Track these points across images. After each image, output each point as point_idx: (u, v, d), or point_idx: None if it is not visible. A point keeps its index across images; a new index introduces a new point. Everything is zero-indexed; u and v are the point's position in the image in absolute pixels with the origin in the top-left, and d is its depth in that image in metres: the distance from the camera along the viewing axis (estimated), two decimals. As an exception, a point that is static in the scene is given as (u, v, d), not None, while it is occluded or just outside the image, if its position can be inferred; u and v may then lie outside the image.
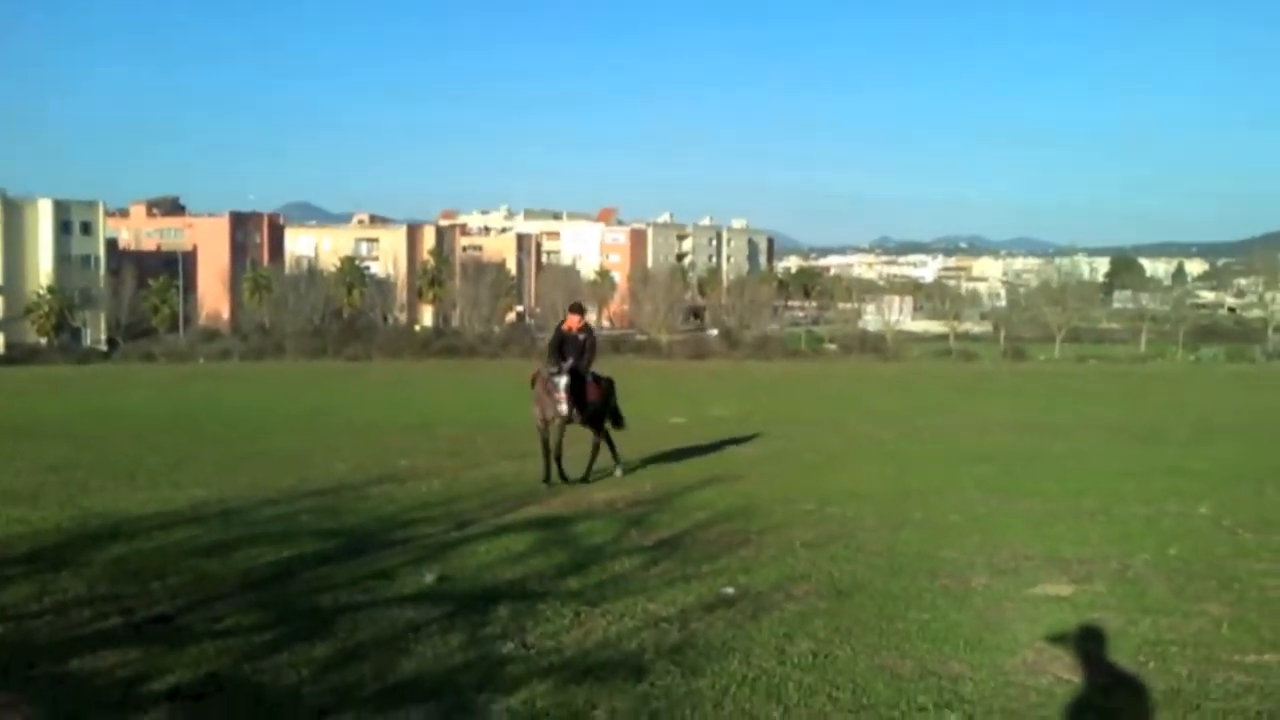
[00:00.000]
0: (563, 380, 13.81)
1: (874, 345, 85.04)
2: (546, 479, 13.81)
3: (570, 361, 13.97)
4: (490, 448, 18.66)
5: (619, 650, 6.50)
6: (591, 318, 15.22)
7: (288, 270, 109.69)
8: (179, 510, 11.46)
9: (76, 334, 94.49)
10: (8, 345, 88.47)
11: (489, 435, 21.11)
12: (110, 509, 11.47)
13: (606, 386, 15.09)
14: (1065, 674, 6.16)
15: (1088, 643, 6.71)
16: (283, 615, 7.20)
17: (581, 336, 14.19)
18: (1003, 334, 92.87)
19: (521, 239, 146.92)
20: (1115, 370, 67.31)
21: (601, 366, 15.58)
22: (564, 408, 13.86)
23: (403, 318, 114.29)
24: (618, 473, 14.71)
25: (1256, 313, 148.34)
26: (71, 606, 7.35)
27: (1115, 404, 33.83)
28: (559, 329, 14.44)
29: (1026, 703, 5.74)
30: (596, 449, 14.88)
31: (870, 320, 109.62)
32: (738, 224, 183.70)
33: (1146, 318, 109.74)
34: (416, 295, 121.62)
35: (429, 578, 8.27)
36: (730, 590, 8.01)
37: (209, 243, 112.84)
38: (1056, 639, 6.78)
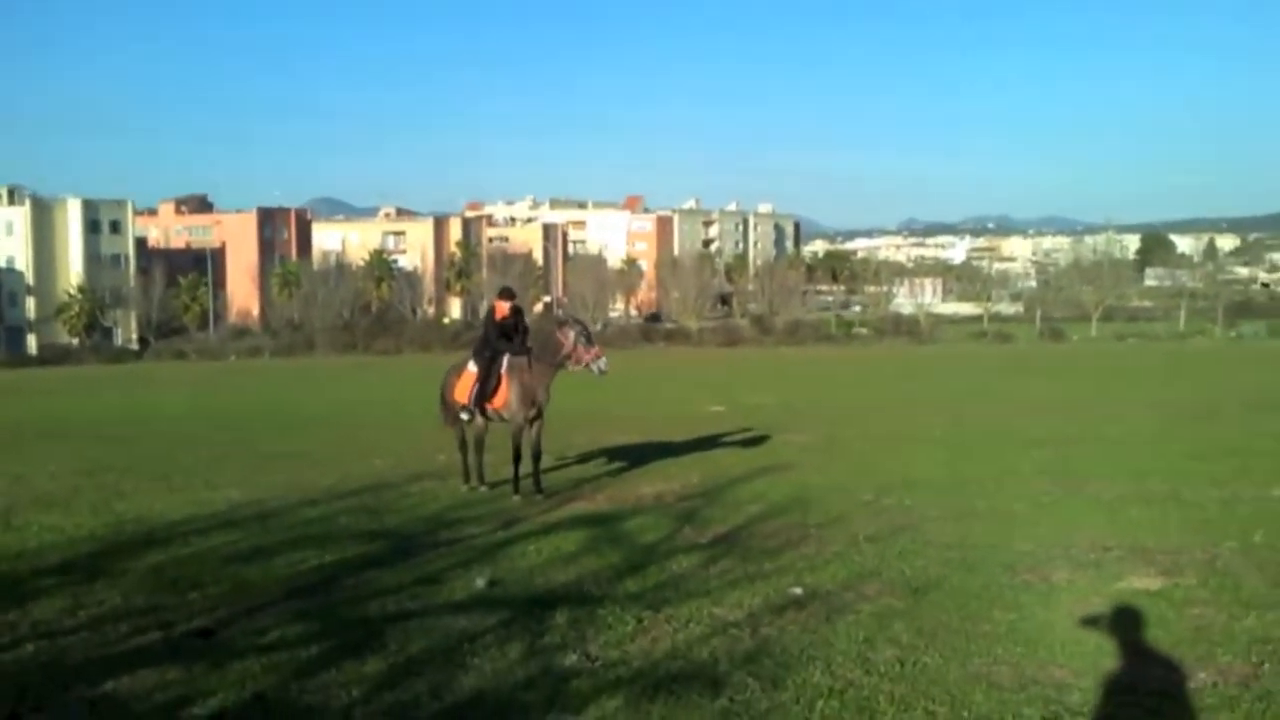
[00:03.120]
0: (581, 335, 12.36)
1: (908, 329, 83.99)
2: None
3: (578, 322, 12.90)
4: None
5: (690, 660, 6.07)
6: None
7: (316, 265, 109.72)
8: (215, 513, 11.13)
9: (108, 333, 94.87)
10: (40, 346, 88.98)
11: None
12: (145, 513, 11.15)
13: None
14: (1178, 679, 5.68)
15: (1195, 645, 6.23)
16: (330, 627, 6.80)
17: (513, 321, 12.79)
18: (1038, 314, 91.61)
19: (548, 229, 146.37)
20: (1156, 349, 66.31)
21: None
22: (604, 362, 12.44)
23: (430, 310, 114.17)
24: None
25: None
26: (107, 620, 6.99)
27: (1162, 383, 33.09)
28: (492, 316, 12.87)
29: (1142, 710, 5.27)
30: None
31: (902, 303, 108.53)
32: (763, 209, 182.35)
33: (1185, 295, 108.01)
34: (444, 288, 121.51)
35: (480, 582, 7.87)
36: (798, 590, 7.56)
37: (237, 239, 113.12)
38: (1157, 638, 6.31)
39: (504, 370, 12.43)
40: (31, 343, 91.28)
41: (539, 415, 12.55)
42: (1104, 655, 6.02)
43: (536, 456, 12.51)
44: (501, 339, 12.53)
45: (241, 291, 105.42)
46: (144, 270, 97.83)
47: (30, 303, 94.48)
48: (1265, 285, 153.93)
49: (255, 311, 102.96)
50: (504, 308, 12.77)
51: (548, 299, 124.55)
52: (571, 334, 12.47)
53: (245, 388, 41.19)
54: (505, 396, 12.42)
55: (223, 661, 6.07)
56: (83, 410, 30.76)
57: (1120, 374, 38.13)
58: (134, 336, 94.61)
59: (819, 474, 13.62)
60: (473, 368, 12.77)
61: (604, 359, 12.60)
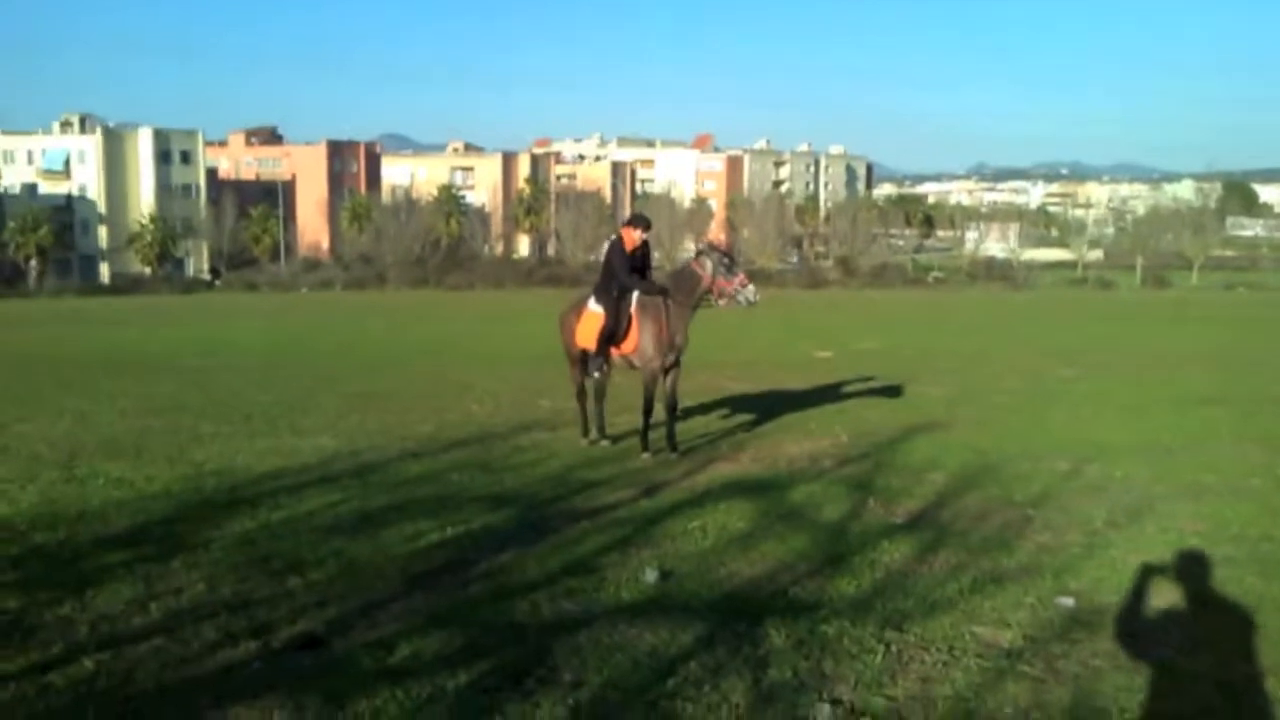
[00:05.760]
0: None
1: (1001, 273, 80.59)
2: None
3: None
4: (634, 386, 16.57)
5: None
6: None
7: (384, 199, 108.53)
8: (306, 466, 9.58)
9: (180, 264, 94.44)
10: (112, 275, 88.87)
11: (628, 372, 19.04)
12: (227, 465, 9.64)
13: None
14: None
15: None
16: (473, 640, 5.18)
17: (641, 255, 10.90)
18: (1139, 261, 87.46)
19: (616, 167, 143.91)
20: (1271, 299, 62.57)
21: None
22: (751, 290, 10.58)
23: (500, 248, 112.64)
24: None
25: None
26: (188, 620, 5.43)
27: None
28: (620, 247, 10.82)
29: None
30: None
31: (989, 248, 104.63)
32: (835, 150, 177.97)
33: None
34: (514, 225, 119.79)
35: (650, 575, 6.21)
36: (1070, 601, 5.83)
37: (306, 172, 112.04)
38: None
39: (634, 309, 10.70)
40: (104, 271, 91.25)
41: (676, 363, 10.85)
42: None
43: (672, 409, 10.84)
44: (633, 274, 10.75)
45: (311, 224, 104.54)
46: (214, 201, 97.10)
47: (103, 232, 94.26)
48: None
49: (325, 245, 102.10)
50: (634, 237, 10.87)
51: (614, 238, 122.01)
52: (709, 263, 10.66)
53: (320, 321, 39.95)
54: (637, 340, 10.69)
55: (343, 695, 4.48)
56: (154, 342, 29.67)
57: (1249, 325, 35.50)
58: (205, 267, 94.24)
59: (983, 434, 11.80)
60: (595, 307, 11.02)
61: (752, 287, 10.70)
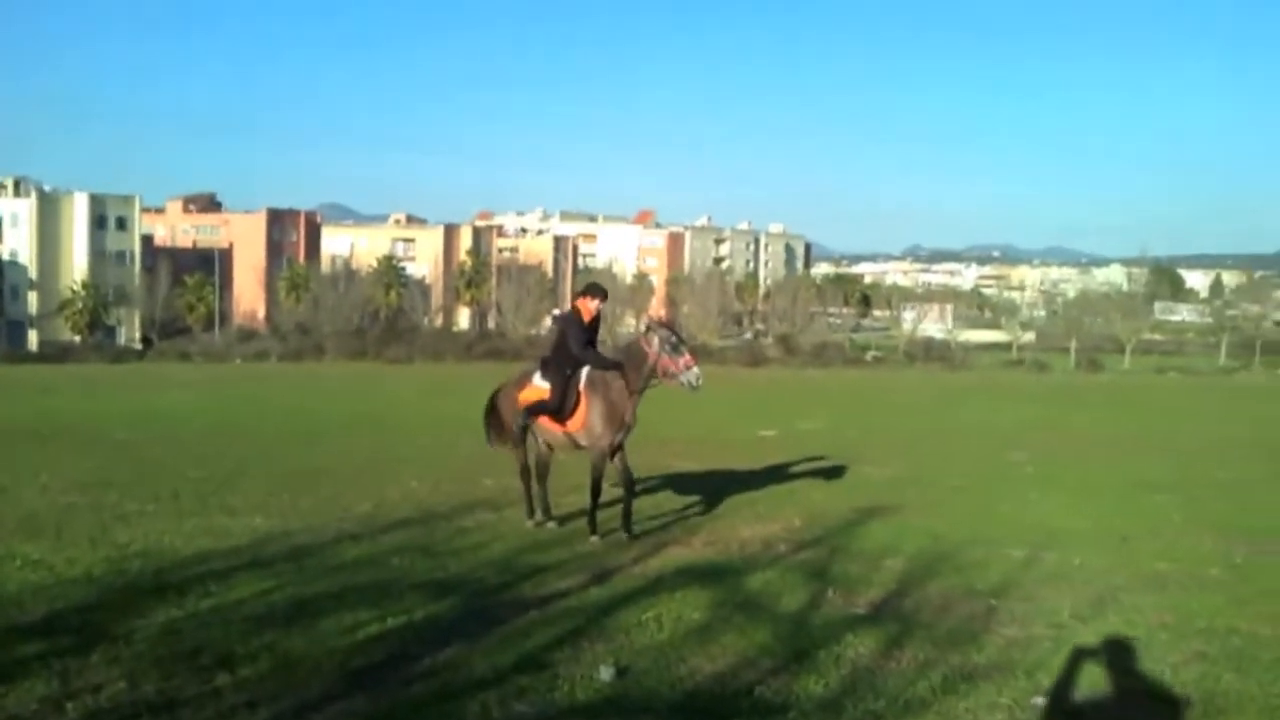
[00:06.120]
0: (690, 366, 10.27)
1: (939, 354, 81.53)
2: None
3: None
4: (579, 464, 16.22)
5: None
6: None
7: (324, 269, 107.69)
8: (238, 549, 9.12)
9: (111, 332, 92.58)
10: (40, 343, 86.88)
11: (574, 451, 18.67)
12: (153, 545, 9.17)
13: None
14: None
15: None
16: (419, 746, 4.81)
17: (595, 327, 10.66)
18: (1073, 344, 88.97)
19: (559, 241, 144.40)
20: (1203, 384, 63.99)
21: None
22: (695, 374, 10.29)
23: (439, 320, 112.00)
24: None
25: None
26: (105, 723, 5.00)
27: (1234, 421, 31.00)
28: (575, 317, 10.54)
29: None
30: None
31: (926, 328, 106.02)
32: (775, 228, 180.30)
33: (1227, 328, 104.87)
34: (454, 297, 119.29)
35: (605, 673, 5.88)
36: (1041, 701, 5.58)
37: (245, 240, 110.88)
38: None
39: (583, 386, 10.40)
40: (32, 339, 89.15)
41: (620, 444, 10.55)
42: None
43: (630, 486, 10.53)
44: (587, 348, 10.46)
45: (248, 293, 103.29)
46: (149, 268, 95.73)
47: (32, 297, 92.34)
48: (1278, 323, 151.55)
49: (261, 314, 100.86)
50: (590, 307, 10.56)
51: (556, 313, 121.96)
52: (656, 340, 10.42)
53: (255, 392, 39.16)
54: (585, 418, 10.38)
55: (275, 811, 4.09)
56: (82, 411, 28.79)
57: (1184, 410, 36.04)
58: (137, 336, 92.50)
59: (937, 519, 11.65)
60: (540, 383, 10.68)
61: (696, 370, 10.42)
